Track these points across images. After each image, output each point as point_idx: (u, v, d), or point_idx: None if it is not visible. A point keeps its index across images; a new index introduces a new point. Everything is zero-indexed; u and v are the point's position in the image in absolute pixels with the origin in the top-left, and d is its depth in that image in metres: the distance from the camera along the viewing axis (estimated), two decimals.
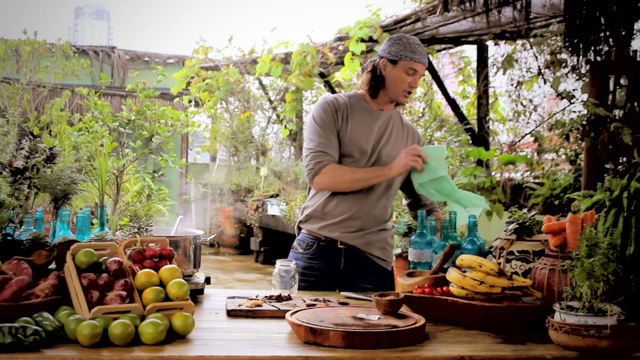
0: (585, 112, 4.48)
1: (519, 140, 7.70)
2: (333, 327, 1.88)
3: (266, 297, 2.40)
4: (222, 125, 12.69)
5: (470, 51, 9.05)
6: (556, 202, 5.35)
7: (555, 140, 6.19)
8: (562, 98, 6.27)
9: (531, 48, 7.13)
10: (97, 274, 2.02)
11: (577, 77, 5.85)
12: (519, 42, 7.37)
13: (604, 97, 4.28)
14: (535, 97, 7.63)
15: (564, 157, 6.48)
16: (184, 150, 13.89)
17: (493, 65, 7.64)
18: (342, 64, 7.96)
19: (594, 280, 1.87)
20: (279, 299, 2.38)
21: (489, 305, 2.06)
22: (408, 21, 7.05)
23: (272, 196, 10.29)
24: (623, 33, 4.33)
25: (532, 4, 5.59)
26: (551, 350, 1.87)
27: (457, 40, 8.05)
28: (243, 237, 11.46)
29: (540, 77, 7.07)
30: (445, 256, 2.49)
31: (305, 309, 2.13)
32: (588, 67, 4.39)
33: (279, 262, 2.50)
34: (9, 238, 2.21)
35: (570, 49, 4.39)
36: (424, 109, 9.77)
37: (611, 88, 4.43)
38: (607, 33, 4.34)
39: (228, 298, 2.40)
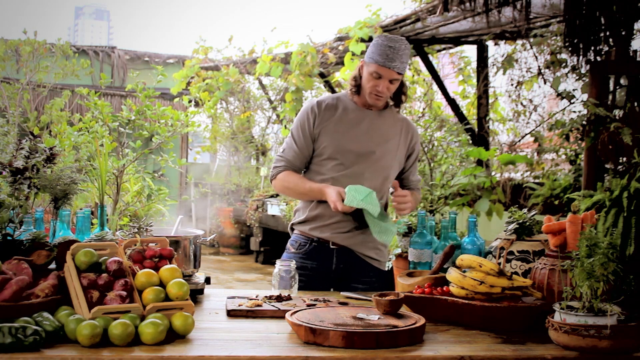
0: (585, 112, 4.48)
1: (519, 140, 7.70)
2: (333, 327, 1.88)
3: (266, 297, 2.40)
4: (222, 125, 12.69)
5: (470, 51, 9.05)
6: (556, 202, 5.35)
7: (555, 140, 6.18)
8: (562, 98, 6.27)
9: (531, 48, 7.12)
10: (97, 274, 2.02)
11: (577, 77, 5.84)
12: (519, 42, 7.36)
13: (604, 97, 4.28)
14: (535, 97, 7.63)
15: (564, 157, 6.47)
16: (184, 150, 13.89)
17: (493, 65, 7.64)
18: (342, 64, 7.96)
19: (594, 280, 1.87)
20: (279, 299, 2.38)
21: (489, 305, 2.06)
22: (408, 21, 7.05)
23: (272, 196, 10.29)
24: (623, 33, 4.32)
25: (532, 4, 5.58)
26: (551, 350, 1.87)
27: (457, 40, 8.05)
28: (243, 237, 11.45)
29: (540, 77, 7.07)
30: (445, 256, 2.49)
31: (305, 309, 2.13)
32: (588, 67, 4.39)
33: (278, 262, 2.51)
34: (9, 238, 2.21)
35: (570, 49, 4.38)
36: (424, 109, 9.77)
37: (611, 88, 4.43)
38: (607, 33, 4.34)
39: (228, 298, 2.40)
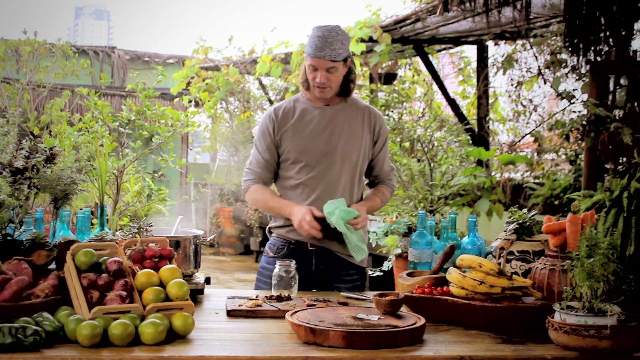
0: (585, 112, 4.48)
1: (519, 141, 7.70)
2: (333, 327, 1.88)
3: (266, 297, 2.40)
4: (222, 125, 12.69)
5: (470, 51, 9.04)
6: (556, 202, 5.35)
7: (555, 140, 6.19)
8: (562, 98, 6.27)
9: (531, 48, 7.12)
10: (97, 274, 2.02)
11: (577, 77, 5.84)
12: (519, 42, 7.36)
13: (604, 97, 4.28)
14: (535, 97, 7.63)
15: (564, 157, 6.48)
16: (184, 150, 13.88)
17: (493, 65, 7.64)
18: None
19: (594, 281, 1.87)
20: (279, 299, 2.38)
21: (489, 305, 2.06)
22: (408, 21, 7.05)
23: None
24: (623, 33, 4.32)
25: (532, 4, 5.58)
26: (551, 350, 1.87)
27: (457, 40, 8.05)
28: (243, 237, 11.45)
29: (540, 77, 7.07)
30: (445, 256, 2.49)
31: (305, 309, 2.13)
32: (588, 67, 4.39)
33: (278, 263, 2.50)
34: (9, 238, 2.21)
35: (570, 49, 4.38)
36: (424, 109, 9.77)
37: (611, 88, 4.43)
38: (607, 33, 4.34)
39: (228, 298, 2.40)
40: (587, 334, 1.82)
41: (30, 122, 5.63)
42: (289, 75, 8.99)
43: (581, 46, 4.33)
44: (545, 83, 7.06)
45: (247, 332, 2.01)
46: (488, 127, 7.83)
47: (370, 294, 2.51)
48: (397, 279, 2.59)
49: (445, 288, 2.25)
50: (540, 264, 2.24)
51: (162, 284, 2.05)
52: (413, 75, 9.93)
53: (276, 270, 2.49)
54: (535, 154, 7.26)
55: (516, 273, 2.38)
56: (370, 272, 3.57)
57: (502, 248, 2.46)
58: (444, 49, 8.96)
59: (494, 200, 5.33)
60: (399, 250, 3.08)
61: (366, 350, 1.82)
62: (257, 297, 2.41)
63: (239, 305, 2.26)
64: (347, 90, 2.81)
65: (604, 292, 1.89)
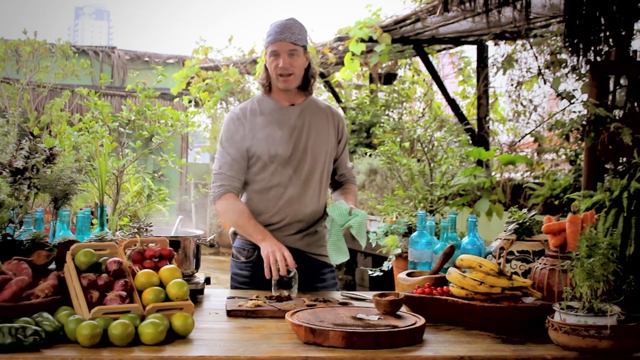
0: (585, 112, 4.48)
1: (519, 141, 7.70)
2: (333, 327, 1.88)
3: (266, 297, 2.40)
4: None
5: (470, 51, 9.05)
6: (556, 202, 5.34)
7: (555, 141, 6.18)
8: (562, 98, 6.27)
9: (531, 48, 7.12)
10: (97, 274, 2.02)
11: (577, 77, 5.84)
12: (519, 42, 7.36)
13: (604, 97, 4.28)
14: (535, 97, 7.63)
15: (564, 157, 6.48)
16: (184, 150, 13.88)
17: (493, 65, 7.64)
18: (342, 64, 7.96)
19: (594, 281, 1.87)
20: (279, 299, 2.38)
21: (489, 305, 2.06)
22: (408, 21, 7.05)
23: None
24: (623, 33, 4.32)
25: (532, 4, 5.58)
26: (551, 350, 1.87)
27: (457, 40, 8.05)
28: None
29: (540, 77, 7.07)
30: (445, 256, 2.49)
31: (305, 309, 2.13)
32: (588, 67, 4.38)
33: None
34: (9, 238, 2.21)
35: (570, 49, 4.38)
36: (424, 109, 9.77)
37: (611, 88, 4.43)
38: (607, 33, 4.33)
39: (228, 298, 2.40)
40: (587, 334, 1.82)
41: (30, 122, 5.63)
42: None
43: (581, 46, 4.32)
44: (545, 83, 7.06)
45: (247, 332, 2.01)
46: (488, 127, 7.83)
47: (370, 294, 2.51)
48: (397, 279, 2.59)
49: (445, 288, 2.25)
50: (540, 264, 2.24)
51: (162, 284, 2.05)
52: (413, 75, 9.93)
53: None
54: (535, 154, 7.26)
55: (516, 273, 2.38)
56: (370, 272, 3.57)
57: (502, 248, 2.46)
58: (444, 49, 8.97)
59: (494, 200, 5.33)
60: (399, 250, 3.08)
61: (366, 350, 1.82)
62: (257, 297, 2.41)
63: (239, 305, 2.26)
64: (308, 84, 2.78)
65: (604, 292, 1.89)
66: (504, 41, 7.48)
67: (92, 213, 2.89)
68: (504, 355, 1.83)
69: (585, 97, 5.00)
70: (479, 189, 5.13)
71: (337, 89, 10.39)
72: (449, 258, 2.49)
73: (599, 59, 4.37)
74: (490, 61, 7.79)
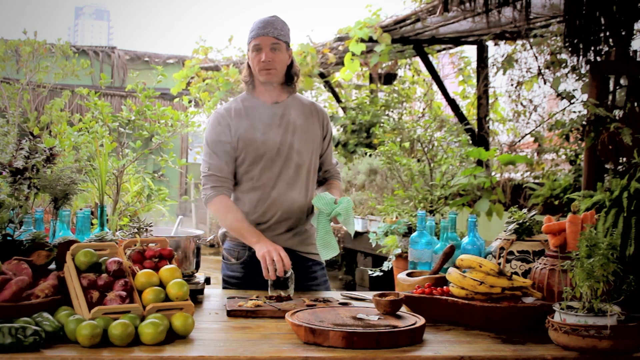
0: (585, 112, 4.48)
1: (519, 141, 7.71)
2: (333, 327, 1.88)
3: (266, 297, 2.40)
4: None
5: (470, 51, 9.06)
6: (556, 202, 5.35)
7: (555, 141, 6.19)
8: (562, 98, 6.27)
9: (531, 48, 7.13)
10: (97, 274, 2.02)
11: (577, 77, 5.84)
12: (519, 42, 7.37)
13: (604, 97, 4.28)
14: (535, 97, 7.64)
15: (564, 157, 6.48)
16: (184, 150, 13.89)
17: (493, 65, 7.65)
18: (342, 64, 7.96)
19: (594, 281, 1.87)
20: (279, 299, 2.38)
21: (489, 305, 2.06)
22: (408, 21, 7.05)
23: None
24: (623, 33, 4.32)
25: (532, 4, 5.59)
26: (551, 350, 1.87)
27: (457, 40, 8.05)
28: None
29: (540, 77, 7.07)
30: (445, 256, 2.49)
31: (305, 309, 2.13)
32: (588, 67, 4.39)
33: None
34: (9, 238, 2.21)
35: (570, 49, 4.38)
36: (424, 109, 9.77)
37: (611, 88, 4.43)
38: (607, 33, 4.34)
39: (228, 298, 2.40)
40: (587, 334, 1.82)
41: (30, 122, 5.63)
42: None
43: (581, 46, 4.33)
44: (545, 83, 7.07)
45: (247, 332, 2.01)
46: (488, 127, 7.83)
47: (370, 294, 2.50)
48: (397, 279, 2.59)
49: (445, 288, 2.25)
50: (540, 264, 2.24)
51: (162, 284, 2.05)
52: (413, 76, 9.94)
53: None
54: (535, 154, 7.27)
55: (516, 273, 2.38)
56: (370, 272, 3.57)
57: (502, 248, 2.46)
58: (444, 49, 8.97)
59: (494, 200, 5.33)
60: (399, 250, 3.08)
61: (366, 350, 1.82)
62: (257, 297, 2.41)
63: (239, 305, 2.26)
64: (291, 82, 2.78)
65: (604, 292, 1.89)
66: (504, 41, 7.48)
67: (92, 213, 2.89)
68: (504, 355, 1.83)
69: (585, 97, 5.00)
70: (479, 189, 5.14)
71: (337, 89, 10.39)
72: (449, 258, 2.49)
73: (599, 59, 4.37)
74: (490, 61, 7.79)
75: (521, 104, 7.64)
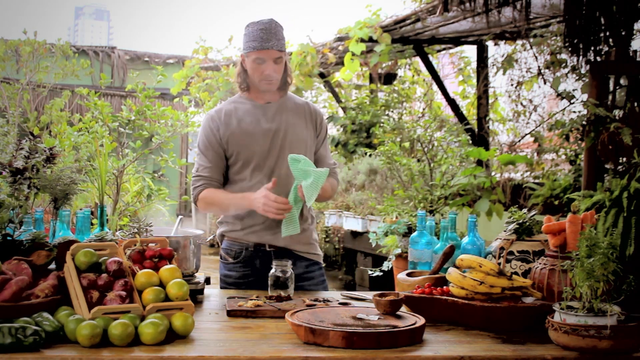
0: (585, 112, 4.48)
1: (519, 141, 7.71)
2: (333, 327, 1.88)
3: (266, 297, 2.40)
4: None
5: (470, 51, 9.06)
6: (556, 202, 5.35)
7: (555, 141, 6.19)
8: (562, 98, 6.27)
9: (531, 48, 7.13)
10: (97, 274, 2.01)
11: (577, 77, 5.84)
12: (519, 42, 7.37)
13: (604, 97, 4.28)
14: (535, 97, 7.64)
15: (564, 157, 6.48)
16: (184, 150, 13.89)
17: (493, 65, 7.65)
18: (342, 64, 7.96)
19: (593, 281, 1.87)
20: (279, 299, 2.38)
21: (489, 305, 2.06)
22: (408, 21, 7.05)
23: None
24: (623, 33, 4.32)
25: (532, 4, 5.58)
26: (551, 350, 1.87)
27: (457, 40, 8.06)
28: None
29: (540, 77, 7.07)
30: (445, 256, 2.49)
31: (305, 309, 2.13)
32: (588, 67, 4.39)
33: (275, 263, 2.49)
34: (9, 238, 2.21)
35: (570, 49, 4.38)
36: (424, 109, 9.77)
37: (611, 88, 4.43)
38: (607, 33, 4.34)
39: (228, 298, 2.40)
40: (587, 334, 1.82)
41: (30, 122, 5.63)
42: None
43: (581, 46, 4.33)
44: (545, 83, 7.07)
45: (247, 332, 2.01)
46: (488, 127, 7.83)
47: (370, 294, 2.50)
48: (397, 279, 2.59)
49: (445, 288, 2.25)
50: (540, 264, 2.24)
51: (162, 284, 2.05)
52: (413, 76, 9.94)
53: (272, 270, 2.48)
54: (535, 154, 7.27)
55: (516, 273, 2.38)
56: (370, 272, 3.57)
57: (502, 248, 2.46)
58: (444, 49, 8.97)
59: (494, 200, 5.33)
60: (399, 250, 3.08)
61: (366, 350, 1.82)
62: (257, 297, 2.41)
63: (239, 305, 2.26)
64: (286, 84, 2.79)
65: (603, 292, 1.89)
66: (504, 41, 7.48)
67: (92, 213, 2.89)
68: (504, 355, 1.83)
69: (585, 97, 5.00)
70: (479, 189, 5.14)
71: (337, 89, 10.39)
72: (449, 258, 2.49)
73: (599, 59, 4.37)
74: (490, 61, 7.79)
75: (521, 104, 7.64)
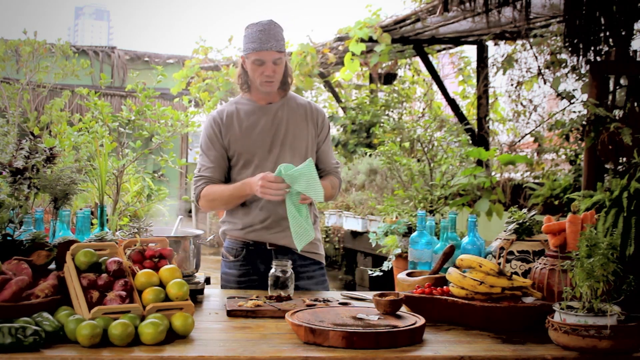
0: (585, 112, 4.48)
1: (519, 141, 7.70)
2: (333, 327, 1.88)
3: (266, 297, 2.40)
4: None
5: (470, 51, 9.06)
6: (556, 202, 5.35)
7: (555, 141, 6.19)
8: (562, 98, 6.27)
9: (531, 48, 7.13)
10: (97, 274, 2.02)
11: (577, 77, 5.84)
12: (519, 42, 7.37)
13: (604, 97, 4.28)
14: (535, 97, 7.64)
15: (564, 157, 6.48)
16: (184, 150, 13.89)
17: (493, 65, 7.65)
18: (342, 64, 7.96)
19: (593, 281, 1.87)
20: (279, 299, 2.38)
21: (489, 305, 2.06)
22: (408, 21, 7.06)
23: None
24: (623, 33, 4.32)
25: (532, 4, 5.59)
26: (551, 350, 1.87)
27: (457, 40, 8.06)
28: None
29: (540, 77, 7.07)
30: (445, 256, 2.49)
31: (305, 309, 2.13)
32: (588, 67, 4.39)
33: (275, 262, 2.49)
34: (9, 238, 2.21)
35: (570, 49, 4.38)
36: (424, 109, 9.77)
37: (611, 88, 4.43)
38: (607, 33, 4.34)
39: (228, 298, 2.40)
40: (587, 334, 1.82)
41: (30, 122, 5.63)
42: None
43: (581, 46, 4.33)
44: (545, 83, 7.07)
45: (247, 332, 2.01)
46: (488, 127, 7.83)
47: (370, 294, 2.50)
48: (397, 279, 2.59)
49: (445, 288, 2.25)
50: (540, 264, 2.24)
51: (162, 284, 2.05)
52: (413, 75, 9.94)
53: (272, 270, 2.48)
54: (535, 154, 7.27)
55: (516, 273, 2.38)
56: (370, 272, 3.57)
57: (502, 248, 2.46)
58: (444, 49, 8.97)
59: (494, 200, 5.33)
60: (399, 250, 3.08)
61: (366, 350, 1.82)
62: (257, 297, 2.41)
63: (239, 305, 2.26)
64: (286, 84, 2.80)
65: (603, 292, 1.89)
66: (504, 41, 7.49)
67: (92, 213, 2.89)
68: (504, 355, 1.83)
69: (585, 97, 5.00)
70: (479, 189, 5.14)
71: (337, 89, 10.39)
72: (449, 258, 2.49)
73: (599, 59, 4.37)
74: (490, 61, 7.79)
75: (521, 104, 7.64)
